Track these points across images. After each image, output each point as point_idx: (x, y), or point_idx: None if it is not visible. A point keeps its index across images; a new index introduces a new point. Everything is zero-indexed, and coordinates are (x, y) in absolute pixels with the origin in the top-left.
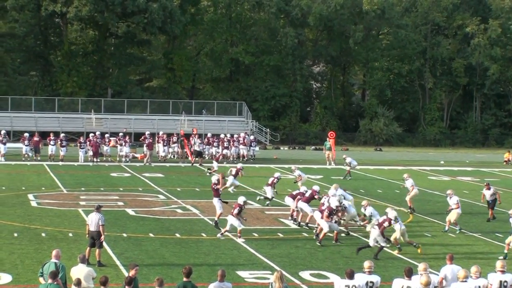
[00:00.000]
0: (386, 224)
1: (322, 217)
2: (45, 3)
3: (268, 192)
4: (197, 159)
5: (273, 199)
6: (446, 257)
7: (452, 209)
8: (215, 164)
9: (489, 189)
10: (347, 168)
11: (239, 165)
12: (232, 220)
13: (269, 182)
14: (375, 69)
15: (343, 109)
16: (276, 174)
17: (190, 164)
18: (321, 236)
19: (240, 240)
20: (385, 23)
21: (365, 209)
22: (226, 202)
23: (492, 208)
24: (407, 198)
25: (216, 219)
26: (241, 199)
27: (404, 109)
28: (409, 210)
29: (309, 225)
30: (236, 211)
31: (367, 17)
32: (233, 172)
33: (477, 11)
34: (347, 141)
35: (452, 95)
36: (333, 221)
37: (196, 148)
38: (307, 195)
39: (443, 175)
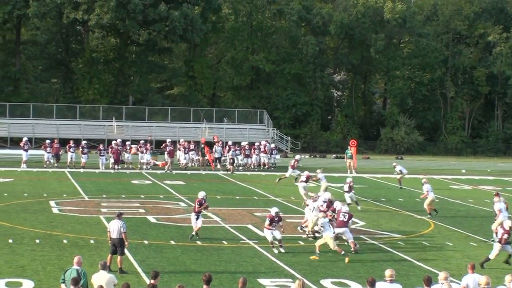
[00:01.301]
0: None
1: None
2: (67, 11)
3: (288, 172)
4: (231, 166)
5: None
6: (468, 266)
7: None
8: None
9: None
10: (398, 176)
11: (305, 173)
12: (266, 233)
13: (292, 163)
14: (396, 78)
15: (364, 117)
16: (297, 157)
17: (211, 172)
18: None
19: (280, 250)
20: (407, 31)
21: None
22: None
23: None
24: (425, 205)
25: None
26: (273, 210)
27: (426, 118)
28: (429, 216)
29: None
30: (267, 222)
31: (389, 26)
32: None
33: (498, 20)
34: (368, 149)
35: (474, 104)
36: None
37: (217, 155)
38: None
39: (464, 184)
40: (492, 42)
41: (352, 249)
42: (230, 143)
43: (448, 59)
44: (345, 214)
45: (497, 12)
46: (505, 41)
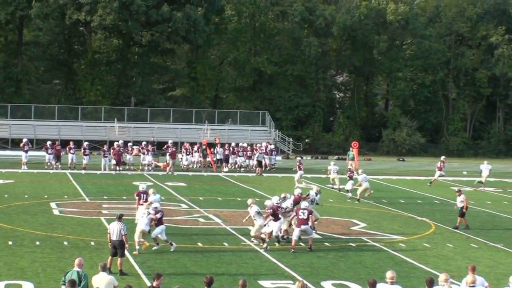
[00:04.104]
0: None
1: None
2: (70, 12)
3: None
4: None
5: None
6: (468, 267)
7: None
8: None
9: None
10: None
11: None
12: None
13: (298, 164)
14: (399, 79)
15: (366, 119)
16: (297, 158)
17: (212, 173)
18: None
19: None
20: (409, 33)
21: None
22: None
23: (462, 216)
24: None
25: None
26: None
27: (427, 119)
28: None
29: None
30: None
31: (391, 28)
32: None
33: (501, 21)
34: (370, 151)
35: (476, 106)
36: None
37: (219, 157)
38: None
39: (465, 185)
40: (494, 44)
41: (309, 245)
42: (233, 144)
43: (450, 61)
44: (304, 211)
45: (499, 14)
46: (507, 42)
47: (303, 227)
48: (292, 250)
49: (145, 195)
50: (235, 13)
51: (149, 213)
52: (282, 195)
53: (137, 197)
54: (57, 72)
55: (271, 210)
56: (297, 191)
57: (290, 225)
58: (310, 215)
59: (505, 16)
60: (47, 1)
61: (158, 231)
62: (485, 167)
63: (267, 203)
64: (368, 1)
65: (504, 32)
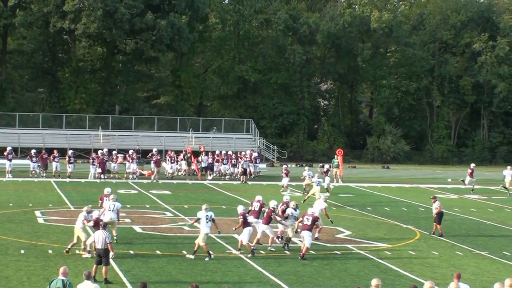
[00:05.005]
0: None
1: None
2: (54, 20)
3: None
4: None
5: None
6: (453, 275)
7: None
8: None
9: (435, 202)
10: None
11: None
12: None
13: (284, 171)
14: (383, 87)
15: (351, 126)
16: (283, 166)
17: (197, 181)
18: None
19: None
20: (393, 41)
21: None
22: None
23: (438, 223)
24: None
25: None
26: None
27: (412, 127)
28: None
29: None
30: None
31: (375, 35)
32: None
33: (485, 29)
34: (355, 158)
35: (460, 113)
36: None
37: (204, 165)
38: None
39: (450, 193)
40: (478, 51)
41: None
42: (217, 152)
43: (434, 68)
44: (308, 217)
45: (483, 21)
46: (491, 50)
47: (303, 232)
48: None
49: (107, 199)
50: (219, 21)
51: (114, 205)
52: (294, 203)
53: (100, 201)
54: (42, 80)
55: (242, 217)
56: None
57: (296, 231)
58: (317, 222)
59: (489, 24)
60: (31, 10)
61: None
62: (508, 172)
63: (239, 209)
64: (352, 9)
65: (487, 39)
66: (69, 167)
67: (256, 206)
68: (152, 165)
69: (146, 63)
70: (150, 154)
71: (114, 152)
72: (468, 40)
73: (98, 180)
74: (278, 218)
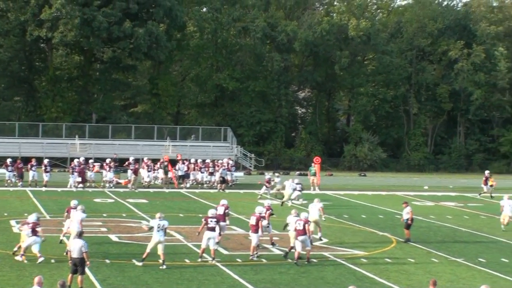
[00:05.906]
0: None
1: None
2: (30, 29)
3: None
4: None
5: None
6: (429, 282)
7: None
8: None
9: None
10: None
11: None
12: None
13: (266, 180)
14: (360, 95)
15: (328, 134)
16: (267, 177)
17: (174, 190)
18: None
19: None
20: (371, 49)
21: None
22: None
23: (408, 228)
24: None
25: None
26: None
27: (389, 135)
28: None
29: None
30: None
31: (353, 43)
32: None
33: (461, 37)
34: (332, 166)
35: (437, 121)
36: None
37: (180, 173)
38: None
39: (427, 200)
40: (454, 58)
41: (306, 258)
42: (192, 160)
43: (411, 76)
44: (300, 222)
45: (460, 29)
46: (466, 57)
47: (300, 238)
48: (295, 262)
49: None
50: (197, 29)
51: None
52: (294, 211)
53: (66, 213)
54: (18, 89)
55: (204, 220)
56: (266, 202)
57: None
58: (307, 225)
59: (465, 32)
60: (8, 18)
61: (31, 242)
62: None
63: (210, 212)
64: (330, 17)
65: (462, 46)
66: (45, 176)
67: (220, 210)
68: (129, 173)
69: (123, 71)
70: (127, 163)
71: (90, 161)
72: (445, 47)
73: (74, 189)
74: (265, 223)
